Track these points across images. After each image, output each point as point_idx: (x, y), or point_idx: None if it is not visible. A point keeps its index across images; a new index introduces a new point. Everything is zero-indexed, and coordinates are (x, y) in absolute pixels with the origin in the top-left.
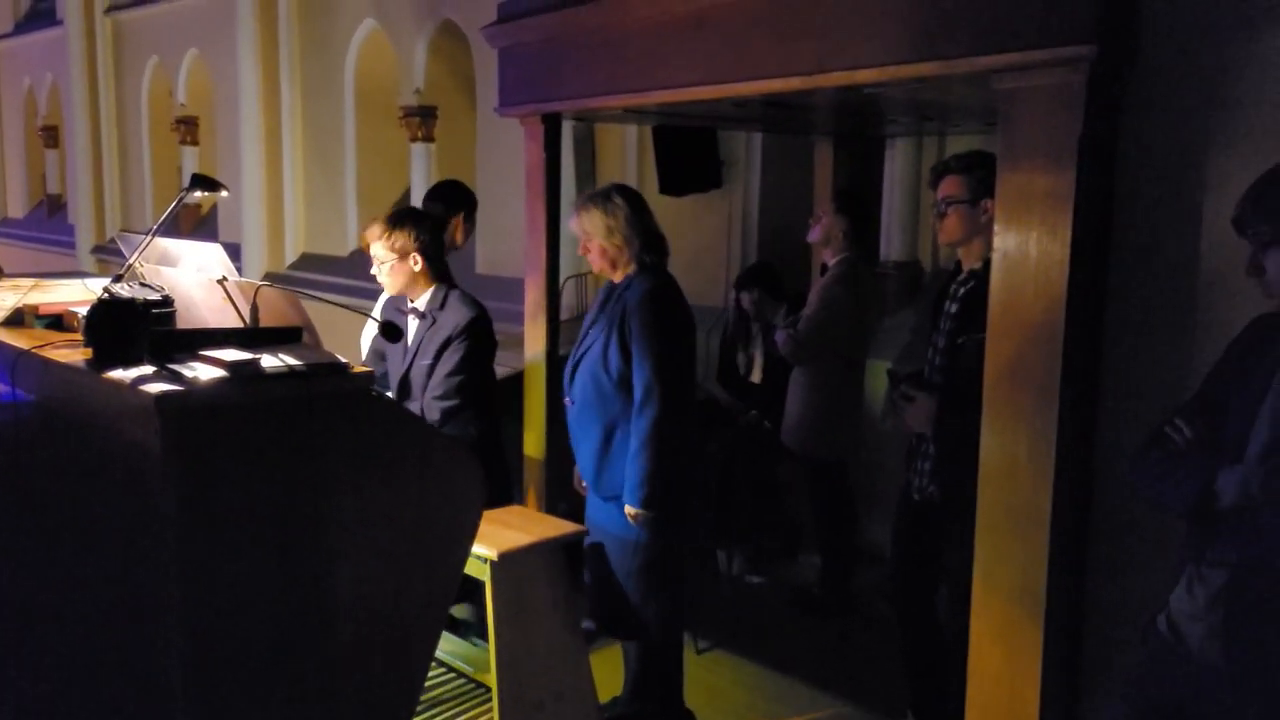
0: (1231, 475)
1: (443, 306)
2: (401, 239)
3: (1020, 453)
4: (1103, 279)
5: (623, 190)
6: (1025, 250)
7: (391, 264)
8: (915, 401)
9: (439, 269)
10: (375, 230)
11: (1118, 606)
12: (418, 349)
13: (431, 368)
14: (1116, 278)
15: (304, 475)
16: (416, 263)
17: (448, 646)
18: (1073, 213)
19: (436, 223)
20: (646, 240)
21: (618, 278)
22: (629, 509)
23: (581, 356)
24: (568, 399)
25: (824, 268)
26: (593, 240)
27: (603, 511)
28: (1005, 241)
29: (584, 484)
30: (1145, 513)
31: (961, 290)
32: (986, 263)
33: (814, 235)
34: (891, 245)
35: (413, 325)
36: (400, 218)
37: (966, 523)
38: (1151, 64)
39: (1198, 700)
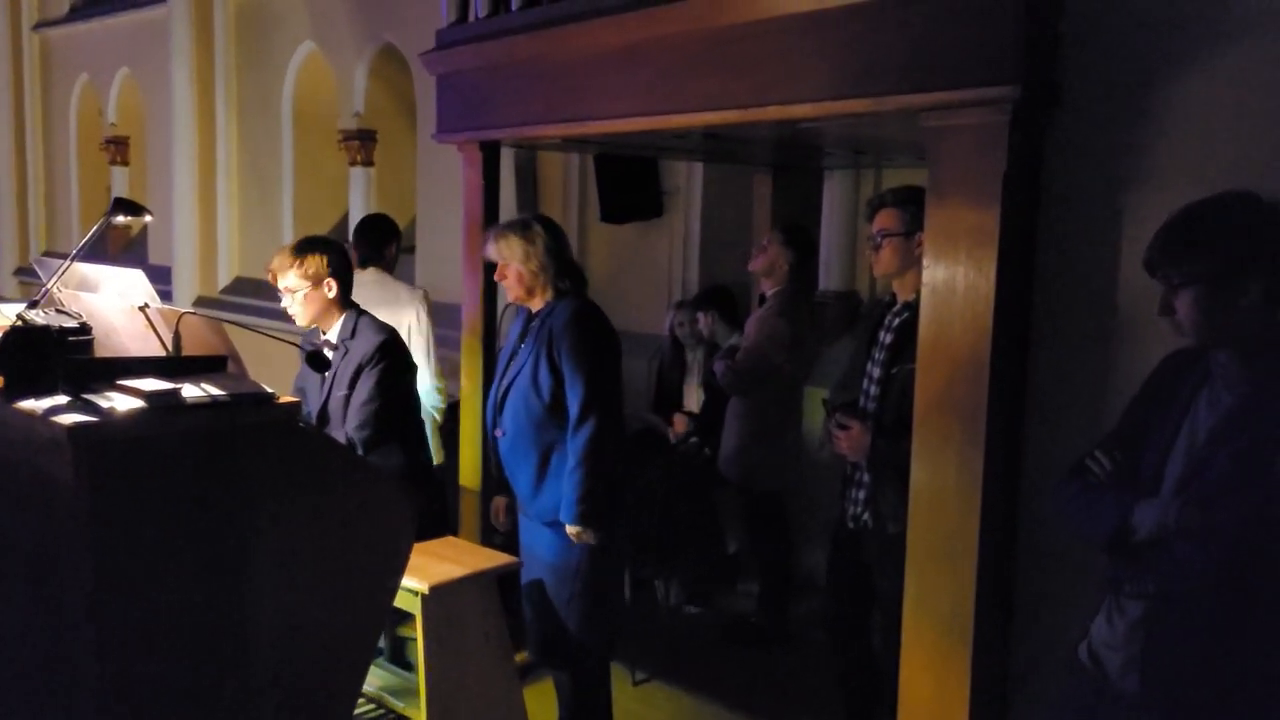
0: (1148, 508)
1: (353, 335)
2: (315, 264)
3: (948, 482)
4: (1028, 313)
5: (541, 219)
6: (953, 284)
7: (305, 292)
8: (850, 430)
9: (349, 297)
10: (285, 259)
11: (1044, 634)
12: (333, 380)
13: (348, 398)
14: (1041, 312)
15: (227, 508)
16: (331, 288)
17: (377, 680)
18: (998, 248)
19: (343, 249)
20: (561, 267)
21: (535, 305)
22: (569, 527)
23: (508, 387)
24: (497, 431)
25: (762, 298)
26: (510, 266)
27: (539, 538)
28: (933, 275)
29: (502, 519)
30: (1069, 543)
31: (896, 321)
32: (920, 294)
33: (756, 264)
34: (830, 275)
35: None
36: (311, 243)
37: (899, 551)
38: (1072, 105)
39: None
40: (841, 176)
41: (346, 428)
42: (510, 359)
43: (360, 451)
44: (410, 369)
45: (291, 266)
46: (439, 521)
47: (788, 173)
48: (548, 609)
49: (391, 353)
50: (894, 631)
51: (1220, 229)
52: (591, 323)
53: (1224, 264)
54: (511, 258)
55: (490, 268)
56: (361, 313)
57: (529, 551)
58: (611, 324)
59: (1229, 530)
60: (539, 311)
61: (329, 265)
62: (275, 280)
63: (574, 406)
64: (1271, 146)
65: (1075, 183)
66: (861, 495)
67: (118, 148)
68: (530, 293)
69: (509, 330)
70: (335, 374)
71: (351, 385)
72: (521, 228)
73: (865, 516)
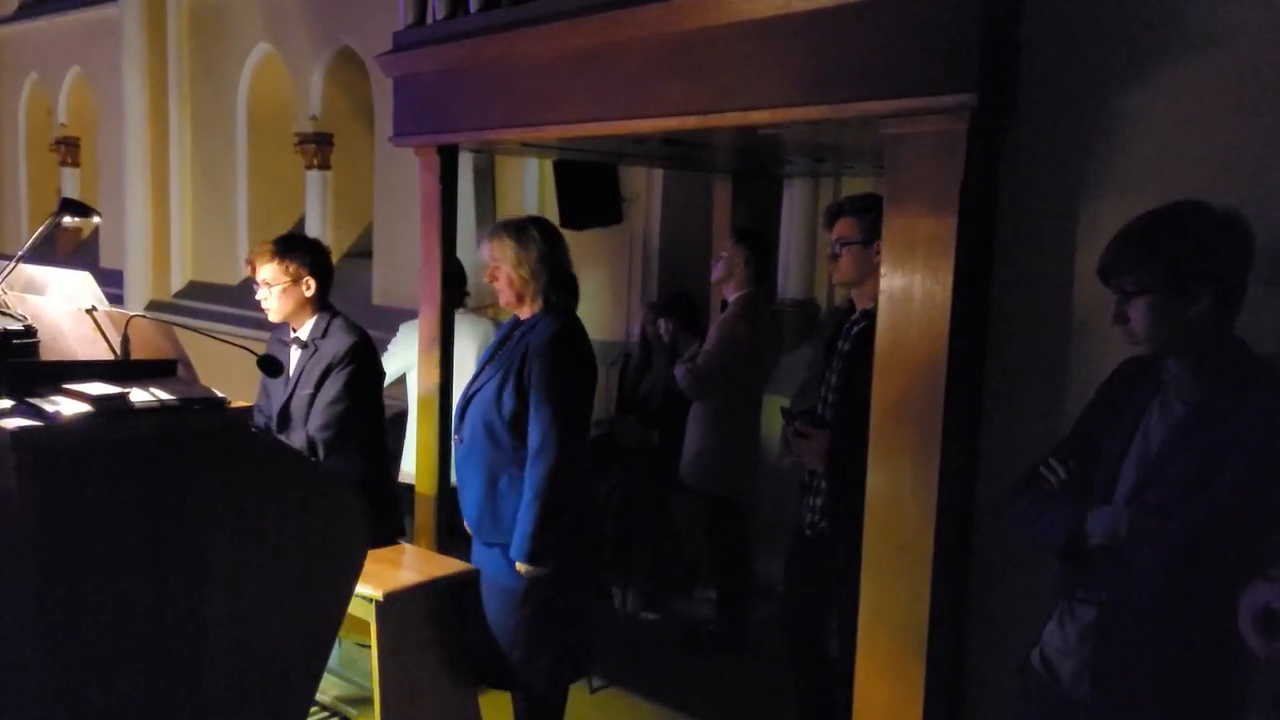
0: (1100, 515)
1: (325, 334)
2: (296, 262)
3: (904, 489)
4: (984, 321)
5: (540, 224)
6: (910, 292)
7: (284, 287)
8: (808, 438)
9: (325, 298)
10: (267, 253)
11: (998, 640)
12: (299, 378)
13: (313, 397)
14: (997, 320)
15: (177, 515)
16: (309, 287)
17: (332, 689)
18: (954, 256)
19: (326, 251)
20: (555, 278)
21: (524, 313)
22: (518, 565)
23: (474, 394)
24: (456, 436)
25: (724, 304)
26: (501, 269)
27: (485, 557)
28: (891, 283)
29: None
30: (1024, 550)
31: (854, 329)
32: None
33: (717, 272)
34: (789, 283)
35: (294, 355)
36: (295, 241)
37: (856, 558)
38: (1030, 115)
39: None
40: (801, 184)
41: (309, 427)
42: (488, 362)
43: (321, 452)
44: (380, 375)
45: (272, 260)
46: (394, 529)
47: (748, 180)
48: (491, 629)
49: (363, 355)
50: (851, 638)
51: (1172, 238)
52: (568, 349)
53: (1175, 273)
54: (503, 261)
55: (449, 273)
56: (336, 314)
57: (480, 567)
58: (590, 346)
59: (1180, 538)
60: (524, 322)
61: (310, 264)
62: (253, 271)
63: (534, 435)
64: (1223, 156)
65: (1032, 191)
66: (819, 503)
67: (68, 148)
68: (520, 299)
69: (498, 331)
70: (302, 372)
71: (318, 385)
72: (517, 231)
73: (823, 524)
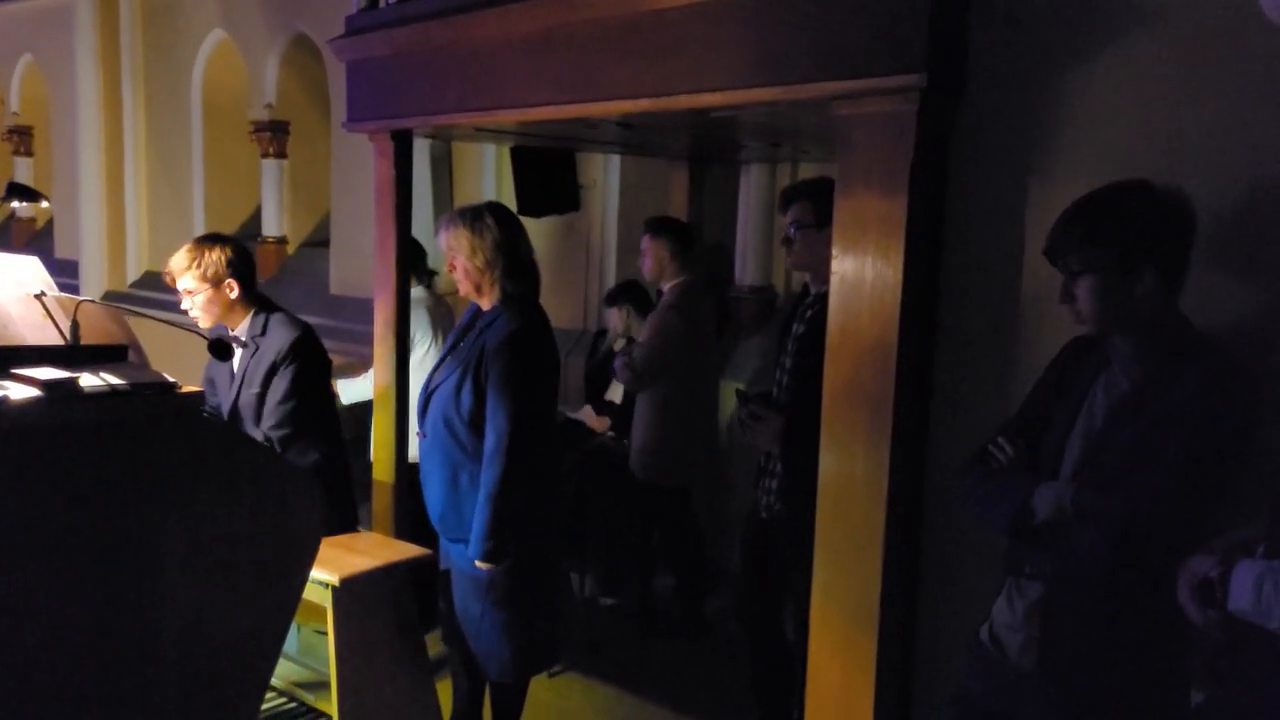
0: (1046, 492)
1: (264, 331)
2: (213, 264)
3: (856, 471)
4: (935, 302)
5: (496, 210)
6: (861, 274)
7: (206, 295)
8: (763, 420)
9: (253, 293)
10: (182, 261)
11: (948, 618)
12: (244, 378)
13: (260, 395)
14: (947, 301)
15: (127, 501)
16: (232, 289)
17: (288, 673)
18: (904, 237)
19: (243, 246)
20: (512, 266)
21: (484, 304)
22: (476, 561)
23: (435, 388)
24: (420, 431)
25: (659, 294)
26: (457, 258)
27: (452, 550)
28: (842, 265)
29: None
30: (973, 528)
31: (809, 313)
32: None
33: (646, 268)
34: (746, 270)
35: (237, 353)
36: (207, 241)
37: (811, 540)
38: (978, 95)
39: (1015, 707)
40: (758, 170)
41: (262, 426)
42: (448, 353)
43: (278, 449)
44: (326, 364)
45: (189, 268)
46: (350, 518)
47: (704, 166)
48: (458, 618)
49: (306, 350)
50: (805, 621)
51: (1117, 217)
52: (526, 348)
53: (1120, 252)
54: (458, 251)
55: (403, 259)
56: (273, 309)
57: (446, 558)
58: (552, 340)
59: (1123, 513)
60: (483, 315)
61: (227, 264)
62: (173, 283)
63: (490, 437)
64: (1170, 136)
65: (981, 172)
66: (774, 485)
67: (21, 138)
68: (478, 289)
69: (459, 320)
70: (245, 372)
71: (264, 383)
72: (472, 218)
73: (778, 506)
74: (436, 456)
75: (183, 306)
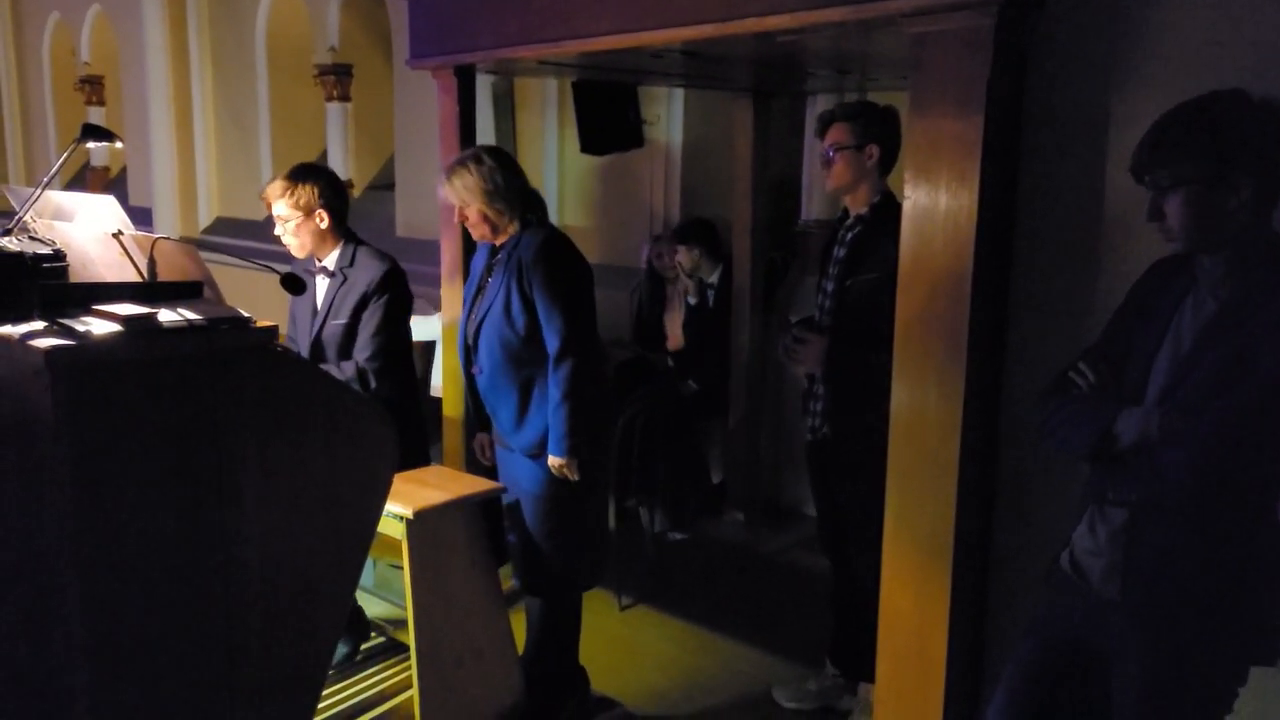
0: (1130, 417)
1: (352, 263)
2: (306, 194)
3: (929, 401)
4: (1011, 226)
5: (492, 151)
6: (934, 199)
7: (297, 222)
8: (806, 344)
9: (345, 226)
10: (276, 188)
11: (1022, 548)
12: (329, 309)
13: (347, 327)
14: (1024, 225)
15: (206, 433)
16: (323, 219)
17: (369, 607)
18: (980, 158)
19: (335, 178)
20: (526, 198)
21: (500, 240)
22: (554, 460)
23: (480, 323)
24: (474, 369)
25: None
26: (471, 206)
27: (522, 470)
28: (915, 190)
29: (487, 455)
30: (1050, 458)
31: (849, 235)
32: (873, 208)
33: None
34: (812, 204)
35: (321, 286)
36: (302, 172)
37: (857, 460)
38: (1057, 10)
39: (1094, 633)
40: (825, 101)
41: (357, 357)
42: (477, 295)
43: (372, 382)
44: (410, 300)
45: (282, 195)
46: (421, 452)
47: (769, 99)
48: (531, 539)
49: (396, 283)
50: (862, 543)
51: (1210, 129)
52: (563, 253)
53: (1214, 164)
54: (471, 198)
55: None
56: (360, 242)
57: (513, 483)
58: (578, 250)
59: (1212, 435)
60: (504, 244)
61: (320, 196)
62: (269, 208)
63: (553, 342)
64: (1260, 48)
65: (1061, 89)
66: (819, 408)
67: (92, 87)
68: (496, 230)
69: (471, 264)
70: (332, 302)
71: (353, 314)
72: (474, 162)
73: (824, 429)
74: (501, 383)
75: (275, 232)
